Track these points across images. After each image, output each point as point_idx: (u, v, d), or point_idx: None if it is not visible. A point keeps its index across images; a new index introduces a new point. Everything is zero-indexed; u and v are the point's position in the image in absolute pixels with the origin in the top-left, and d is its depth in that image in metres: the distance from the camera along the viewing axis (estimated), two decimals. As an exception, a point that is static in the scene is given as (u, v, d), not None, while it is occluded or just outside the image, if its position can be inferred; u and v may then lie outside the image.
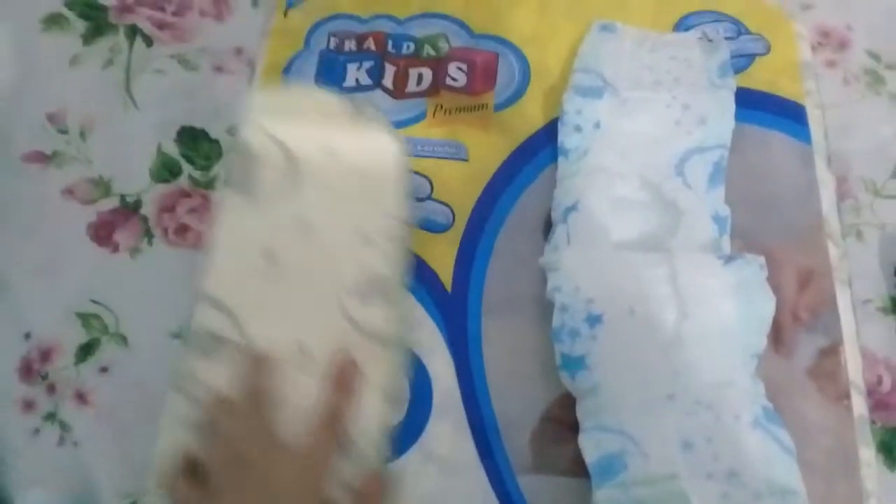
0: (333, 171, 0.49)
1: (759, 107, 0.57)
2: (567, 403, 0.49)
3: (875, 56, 0.62)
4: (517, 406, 0.49)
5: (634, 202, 0.52)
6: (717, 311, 0.47)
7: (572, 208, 0.52)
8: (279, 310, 0.46)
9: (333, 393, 0.46)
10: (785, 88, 0.58)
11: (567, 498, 0.47)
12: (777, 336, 0.50)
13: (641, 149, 0.53)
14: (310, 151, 0.49)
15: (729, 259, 0.49)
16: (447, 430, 0.49)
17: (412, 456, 0.49)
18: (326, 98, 0.53)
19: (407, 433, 0.49)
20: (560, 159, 0.55)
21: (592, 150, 0.53)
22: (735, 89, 0.55)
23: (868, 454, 0.49)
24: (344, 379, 0.46)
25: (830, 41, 0.63)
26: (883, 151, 0.60)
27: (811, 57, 0.61)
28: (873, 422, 0.51)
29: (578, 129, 0.55)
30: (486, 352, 0.51)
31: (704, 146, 0.53)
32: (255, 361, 0.46)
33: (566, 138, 0.55)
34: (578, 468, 0.47)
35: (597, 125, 0.54)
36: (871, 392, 0.52)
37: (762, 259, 0.49)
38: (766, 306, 0.48)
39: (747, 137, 0.55)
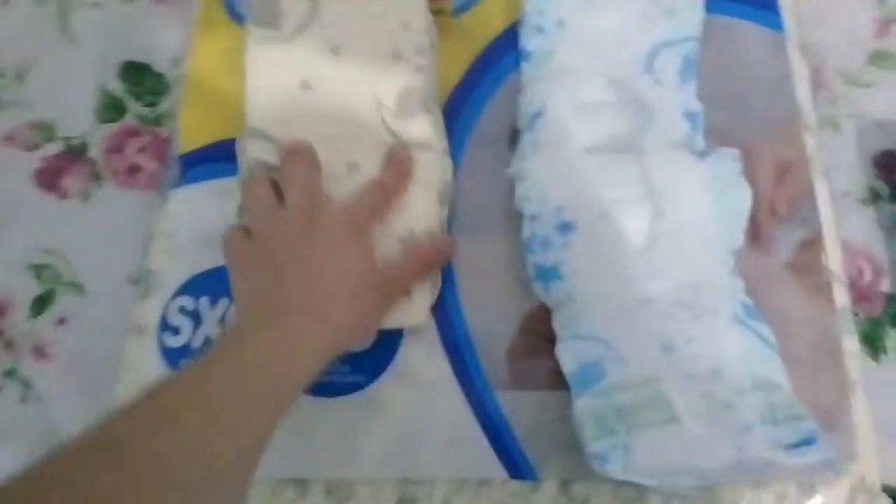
0: None
1: (727, -4, 0.54)
2: (542, 316, 0.47)
3: (848, -63, 0.60)
4: (491, 322, 0.48)
5: (602, 103, 0.49)
6: (692, 208, 0.45)
7: (538, 115, 0.49)
8: (324, 134, 0.47)
9: (387, 173, 0.47)
10: (754, -26, 0.55)
11: (546, 412, 0.46)
12: (755, 231, 0.48)
13: (608, 46, 0.51)
14: None
15: (702, 154, 0.47)
16: (421, 351, 0.48)
17: (386, 380, 0.47)
18: None
19: (380, 357, 0.48)
20: (523, 64, 0.52)
21: (557, 51, 0.51)
22: None
23: (851, 344, 0.48)
24: (397, 161, 0.47)
25: (800, -78, 0.60)
26: (858, 39, 0.58)
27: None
28: (856, 314, 0.50)
29: (540, 29, 0.52)
30: (457, 268, 0.49)
31: (673, 39, 0.51)
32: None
33: (528, 41, 0.52)
34: (557, 381, 0.46)
35: (560, 24, 0.52)
36: (853, 284, 0.51)
37: (736, 152, 0.47)
38: (743, 200, 0.46)
39: (716, 28, 0.53)
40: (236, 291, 0.44)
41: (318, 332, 0.41)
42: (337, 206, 0.45)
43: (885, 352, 0.50)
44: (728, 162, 0.47)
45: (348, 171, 0.47)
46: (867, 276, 0.51)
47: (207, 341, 0.48)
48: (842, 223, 0.51)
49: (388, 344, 0.48)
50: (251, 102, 0.48)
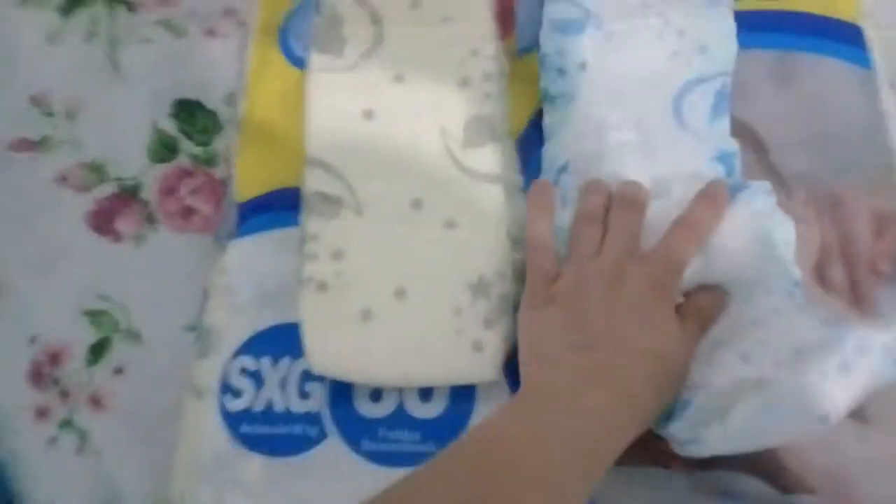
0: (419, 21, 0.49)
1: (809, 31, 0.51)
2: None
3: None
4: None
5: (628, 155, 0.47)
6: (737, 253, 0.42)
7: (563, 169, 0.47)
8: (387, 166, 0.46)
9: (701, 202, 0.43)
10: (840, 8, 0.52)
11: (631, 490, 0.43)
12: (855, 293, 0.45)
13: (635, 90, 0.48)
14: (392, 5, 0.49)
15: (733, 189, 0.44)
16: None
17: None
18: None
19: (451, 423, 0.45)
20: (546, 107, 0.49)
21: (579, 95, 0.48)
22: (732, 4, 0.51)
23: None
24: (713, 196, 0.43)
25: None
26: None
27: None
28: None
29: (562, 72, 0.49)
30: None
31: (705, 76, 0.48)
32: None
33: (550, 84, 0.49)
34: (640, 455, 0.42)
35: (582, 66, 0.49)
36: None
37: (768, 184, 0.44)
38: (788, 231, 0.42)
39: (798, 67, 0.50)
40: (525, 323, 0.42)
41: (621, 411, 0.38)
42: (647, 261, 0.42)
43: None
44: (760, 196, 0.43)
45: (411, 208, 0.45)
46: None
47: (269, 405, 0.47)
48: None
49: (460, 408, 0.45)
50: (311, 131, 0.47)
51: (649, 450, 0.42)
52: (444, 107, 0.47)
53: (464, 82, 0.48)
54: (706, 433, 0.39)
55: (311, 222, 0.46)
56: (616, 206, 0.44)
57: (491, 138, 0.47)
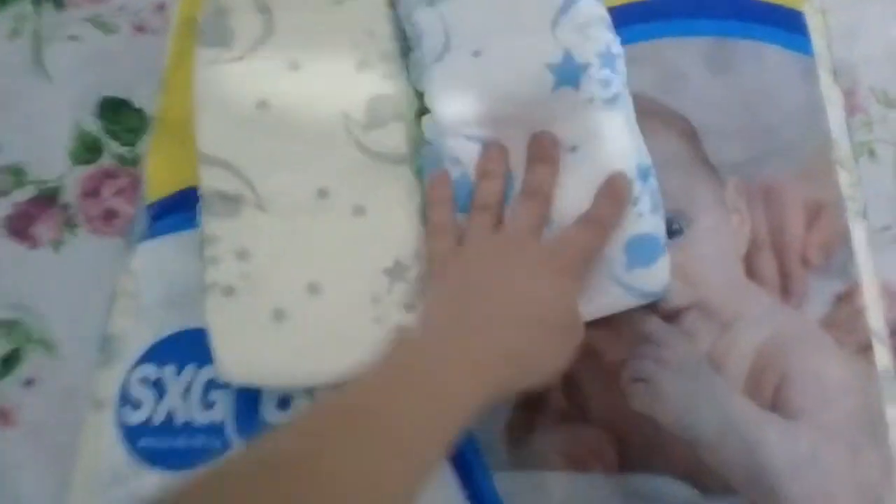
0: (310, 6, 0.48)
1: (749, 17, 0.50)
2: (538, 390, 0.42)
3: (879, -54, 0.55)
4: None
5: None
6: None
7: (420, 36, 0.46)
8: (287, 157, 0.44)
9: (603, 203, 0.42)
10: (780, -6, 0.51)
11: (548, 495, 0.41)
12: (785, 284, 0.44)
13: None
14: None
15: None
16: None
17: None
18: None
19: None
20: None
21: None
22: None
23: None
24: (615, 189, 0.42)
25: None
26: (895, 55, 0.54)
27: (806, -47, 0.53)
28: (901, 372, 0.45)
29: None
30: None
31: None
32: None
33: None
34: (558, 460, 0.41)
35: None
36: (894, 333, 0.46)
37: None
38: None
39: (736, 54, 0.49)
40: (434, 300, 0.40)
41: (489, 359, 0.36)
42: (549, 246, 0.41)
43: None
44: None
45: (317, 198, 0.44)
46: (912, 323, 0.46)
47: (169, 416, 0.44)
48: (882, 262, 0.46)
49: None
50: (203, 128, 0.45)
51: (570, 453, 0.41)
52: (343, 91, 0.45)
53: (362, 65, 0.46)
54: None
55: (210, 224, 0.44)
56: (520, 194, 0.43)
57: (394, 117, 0.45)
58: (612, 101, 0.43)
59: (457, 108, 0.44)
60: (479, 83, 0.44)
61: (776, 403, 0.41)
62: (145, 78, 0.56)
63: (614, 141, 0.43)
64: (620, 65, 0.44)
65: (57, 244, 0.54)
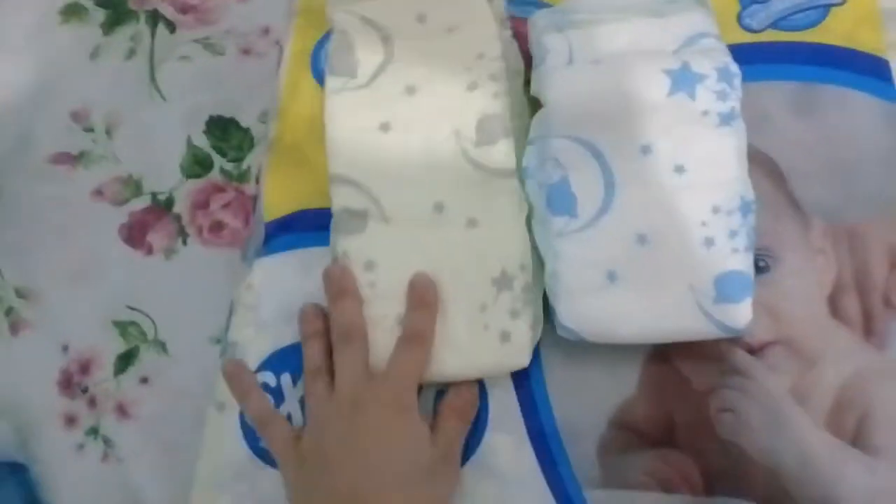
0: (426, 34, 0.51)
1: (835, 64, 0.51)
2: (635, 409, 0.45)
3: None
4: (581, 413, 0.46)
5: None
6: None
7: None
8: (407, 174, 0.48)
9: (415, 311, 0.45)
10: (864, 41, 0.52)
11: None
12: (868, 324, 0.45)
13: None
14: (400, 22, 0.51)
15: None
16: (506, 441, 0.46)
17: (469, 470, 0.46)
18: None
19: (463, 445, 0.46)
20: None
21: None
22: None
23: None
24: (421, 294, 0.46)
25: (913, -17, 0.56)
26: None
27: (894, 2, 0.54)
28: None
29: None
30: (545, 355, 0.47)
31: None
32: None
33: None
34: (650, 481, 0.44)
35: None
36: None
37: None
38: None
39: (820, 99, 0.50)
40: (292, 491, 0.43)
41: None
42: (381, 383, 0.44)
43: None
44: None
45: (434, 212, 0.47)
46: None
47: (288, 420, 0.48)
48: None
49: (472, 431, 0.46)
50: (332, 151, 0.48)
51: (658, 474, 0.43)
52: (455, 111, 0.49)
53: (473, 86, 0.49)
54: None
55: (340, 240, 0.48)
56: (336, 342, 0.46)
57: (503, 135, 0.48)
58: (727, 119, 0.45)
59: (568, 107, 0.46)
60: (593, 85, 0.46)
61: (857, 439, 0.43)
62: (251, 98, 0.60)
63: (724, 168, 0.44)
64: (737, 84, 0.46)
65: (169, 252, 0.57)
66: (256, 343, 0.49)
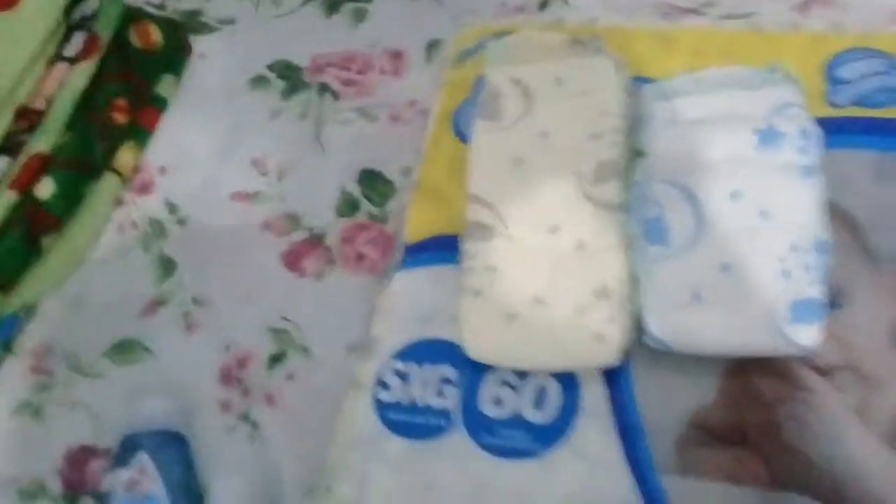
0: (561, 94, 0.60)
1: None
2: (714, 412, 0.50)
3: None
4: (663, 412, 0.52)
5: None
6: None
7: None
8: (531, 200, 0.57)
9: None
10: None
11: (705, 500, 0.48)
12: None
13: None
14: (541, 83, 0.61)
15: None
16: (595, 428, 0.52)
17: (560, 451, 0.52)
18: (552, 37, 0.64)
19: (556, 428, 0.53)
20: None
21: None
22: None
23: None
24: None
25: None
26: None
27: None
28: None
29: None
30: (634, 361, 0.53)
31: None
32: None
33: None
34: (723, 474, 0.48)
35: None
36: None
37: None
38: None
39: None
40: None
41: None
42: None
43: None
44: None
45: (550, 232, 0.55)
46: None
47: (412, 399, 0.56)
48: None
49: (564, 416, 0.53)
50: (473, 176, 0.59)
51: (728, 468, 0.48)
52: (579, 154, 0.57)
53: (596, 136, 0.57)
54: None
55: (470, 245, 0.57)
56: None
57: (615, 176, 0.56)
58: (807, 171, 0.52)
59: (668, 158, 0.55)
60: (691, 140, 0.55)
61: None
62: (396, 156, 0.71)
63: (803, 212, 0.51)
64: (818, 142, 0.53)
65: (319, 275, 0.67)
66: (391, 337, 0.59)
